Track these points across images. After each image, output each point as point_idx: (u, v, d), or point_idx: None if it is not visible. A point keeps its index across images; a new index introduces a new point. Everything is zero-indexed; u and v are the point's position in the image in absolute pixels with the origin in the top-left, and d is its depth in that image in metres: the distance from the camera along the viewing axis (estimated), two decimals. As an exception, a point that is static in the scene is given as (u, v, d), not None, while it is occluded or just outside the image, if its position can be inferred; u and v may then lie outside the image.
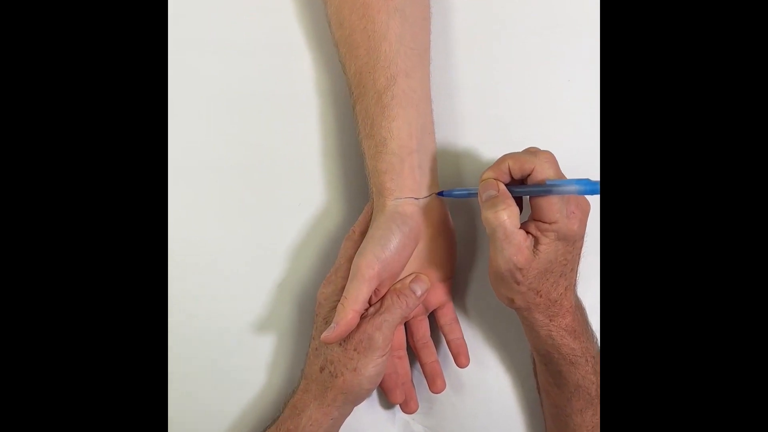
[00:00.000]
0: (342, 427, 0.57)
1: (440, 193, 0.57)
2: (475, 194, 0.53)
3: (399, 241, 0.54)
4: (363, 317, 0.55)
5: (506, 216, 0.49)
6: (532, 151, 0.52)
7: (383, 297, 0.57)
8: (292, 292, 0.64)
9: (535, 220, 0.51)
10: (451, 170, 0.64)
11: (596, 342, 0.55)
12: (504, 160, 0.51)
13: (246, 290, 0.60)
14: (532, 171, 0.50)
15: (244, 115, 0.61)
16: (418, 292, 0.58)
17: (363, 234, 0.57)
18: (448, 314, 0.63)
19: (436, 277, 0.61)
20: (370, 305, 0.57)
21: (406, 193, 0.56)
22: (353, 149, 0.62)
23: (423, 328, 0.62)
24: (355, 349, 0.54)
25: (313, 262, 0.64)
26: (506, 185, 0.52)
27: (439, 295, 0.62)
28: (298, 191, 0.65)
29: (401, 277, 0.59)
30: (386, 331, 0.54)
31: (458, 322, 0.63)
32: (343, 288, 0.55)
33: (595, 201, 0.49)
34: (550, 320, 0.52)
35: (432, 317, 0.64)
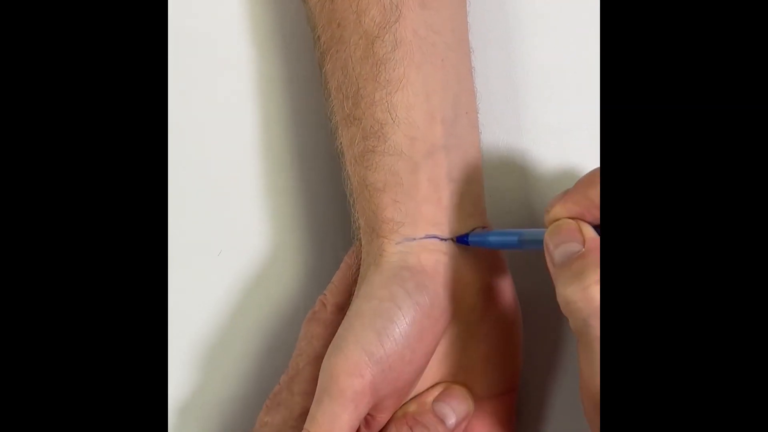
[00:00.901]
0: None
1: (461, 239, 0.37)
2: (535, 245, 0.36)
3: (411, 323, 0.36)
4: None
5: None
6: None
7: (384, 429, 0.39)
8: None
9: None
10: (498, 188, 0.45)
11: None
12: (592, 182, 0.34)
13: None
14: None
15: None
16: (451, 420, 0.37)
17: (341, 309, 0.40)
18: None
19: (486, 390, 0.39)
20: None
21: (425, 230, 0.37)
22: (319, 148, 0.46)
23: None
24: None
25: (243, 365, 0.46)
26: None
27: (490, 424, 0.40)
28: (217, 230, 0.45)
29: (417, 391, 0.39)
30: None
31: None
32: (303, 414, 0.37)
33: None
34: None
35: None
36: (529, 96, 0.45)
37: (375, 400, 0.35)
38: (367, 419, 0.37)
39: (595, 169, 0.34)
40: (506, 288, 0.39)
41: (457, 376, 0.38)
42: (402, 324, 0.35)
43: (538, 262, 0.42)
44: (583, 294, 0.31)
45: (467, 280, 0.37)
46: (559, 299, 0.33)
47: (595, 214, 0.33)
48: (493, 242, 0.36)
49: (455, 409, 0.37)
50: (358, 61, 0.36)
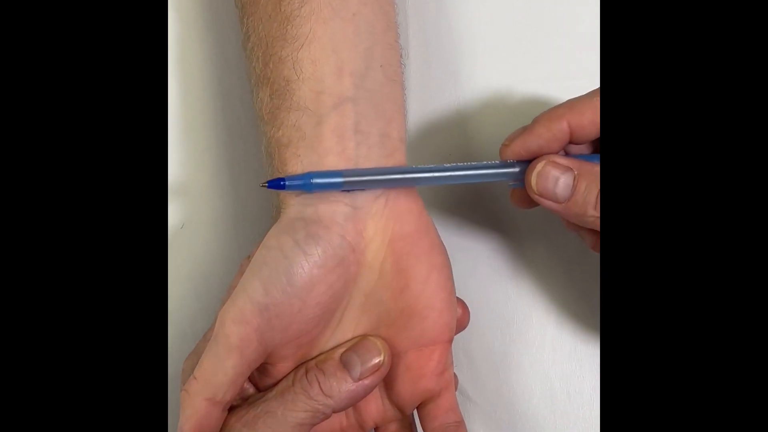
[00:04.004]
0: None
1: (274, 183, 0.34)
2: (363, 185, 0.34)
3: (299, 272, 0.33)
4: (234, 410, 0.35)
5: None
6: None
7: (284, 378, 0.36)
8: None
9: None
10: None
11: None
12: (557, 117, 0.35)
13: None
14: None
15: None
16: (356, 369, 0.35)
17: None
18: (442, 414, 0.37)
19: (411, 342, 0.36)
20: (260, 390, 0.37)
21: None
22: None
23: None
24: None
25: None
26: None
27: (418, 375, 0.36)
28: (180, 205, 0.44)
29: (335, 344, 0.37)
30: None
31: (465, 429, 0.37)
32: None
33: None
34: None
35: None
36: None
37: (265, 348, 0.34)
38: (267, 368, 0.35)
39: (557, 105, 0.35)
40: (427, 239, 0.36)
41: (379, 330, 0.36)
42: (288, 273, 0.33)
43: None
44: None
45: (372, 230, 0.35)
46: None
47: (556, 148, 0.34)
48: (315, 185, 0.33)
49: (362, 357, 0.35)
50: (268, 20, 0.35)
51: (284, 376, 0.35)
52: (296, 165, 0.34)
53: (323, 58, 0.34)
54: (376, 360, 0.34)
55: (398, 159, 0.35)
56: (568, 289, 0.41)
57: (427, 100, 0.43)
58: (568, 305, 0.41)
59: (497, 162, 0.35)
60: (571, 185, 0.34)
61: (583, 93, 0.41)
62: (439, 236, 0.36)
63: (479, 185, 0.42)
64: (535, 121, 0.35)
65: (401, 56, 0.37)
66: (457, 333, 0.37)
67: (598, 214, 0.33)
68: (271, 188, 0.33)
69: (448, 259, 0.36)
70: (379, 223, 0.34)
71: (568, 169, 0.34)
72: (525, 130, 0.35)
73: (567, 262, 0.41)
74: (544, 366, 0.41)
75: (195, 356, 0.35)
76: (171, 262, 0.43)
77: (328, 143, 0.33)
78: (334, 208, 0.34)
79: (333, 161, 0.33)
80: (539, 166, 0.34)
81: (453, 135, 0.42)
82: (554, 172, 0.34)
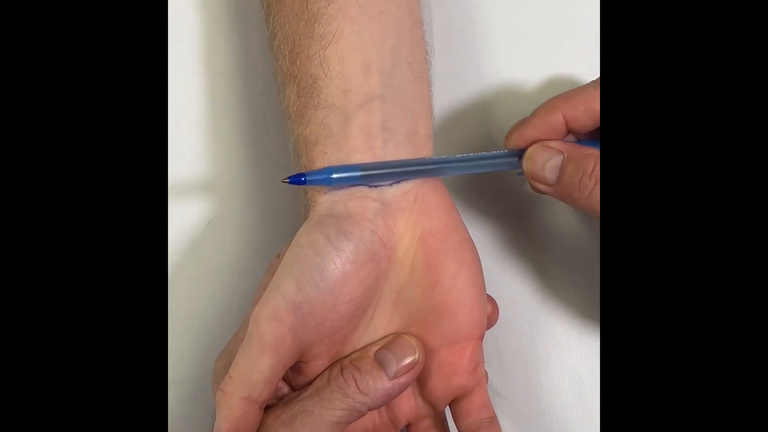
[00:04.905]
0: None
1: (295, 179, 0.34)
2: (382, 178, 0.34)
3: (331, 269, 0.33)
4: (271, 409, 0.35)
5: None
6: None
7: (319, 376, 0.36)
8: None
9: None
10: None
11: None
12: (553, 108, 0.36)
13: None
14: None
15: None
16: (391, 368, 0.35)
17: None
18: (475, 410, 0.36)
19: (442, 339, 0.36)
20: (294, 388, 0.36)
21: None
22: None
23: None
24: None
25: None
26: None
27: (450, 372, 0.36)
28: (206, 202, 0.44)
29: (367, 342, 0.36)
30: None
31: (497, 425, 0.37)
32: None
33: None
34: None
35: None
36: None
37: (299, 346, 0.33)
38: (300, 366, 0.35)
39: (553, 97, 0.35)
40: (457, 235, 0.36)
41: (410, 327, 0.36)
42: (321, 270, 0.33)
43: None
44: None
45: (402, 226, 0.35)
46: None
47: (553, 137, 0.35)
48: (334, 179, 0.33)
49: (397, 355, 0.34)
50: (294, 18, 0.35)
51: (318, 375, 0.35)
52: (324, 163, 0.34)
53: (350, 56, 0.34)
54: (411, 358, 0.34)
55: (425, 156, 0.35)
56: (595, 282, 0.41)
57: (453, 95, 0.43)
58: (595, 299, 0.41)
59: (502, 152, 0.36)
60: (559, 167, 0.34)
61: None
62: (468, 233, 0.36)
63: (505, 179, 0.42)
64: (533, 113, 0.36)
65: (427, 53, 0.37)
66: (486, 329, 0.37)
67: (583, 195, 0.34)
68: (293, 184, 0.33)
69: (477, 255, 0.36)
70: (409, 219, 0.34)
71: (558, 152, 0.35)
72: (523, 122, 0.36)
73: (594, 256, 0.41)
74: (573, 360, 0.41)
75: (226, 355, 0.35)
76: (197, 260, 0.43)
77: (355, 141, 0.33)
78: (364, 203, 0.34)
79: (360, 159, 0.33)
80: (530, 150, 0.35)
81: (478, 129, 0.42)
82: (543, 155, 0.35)
